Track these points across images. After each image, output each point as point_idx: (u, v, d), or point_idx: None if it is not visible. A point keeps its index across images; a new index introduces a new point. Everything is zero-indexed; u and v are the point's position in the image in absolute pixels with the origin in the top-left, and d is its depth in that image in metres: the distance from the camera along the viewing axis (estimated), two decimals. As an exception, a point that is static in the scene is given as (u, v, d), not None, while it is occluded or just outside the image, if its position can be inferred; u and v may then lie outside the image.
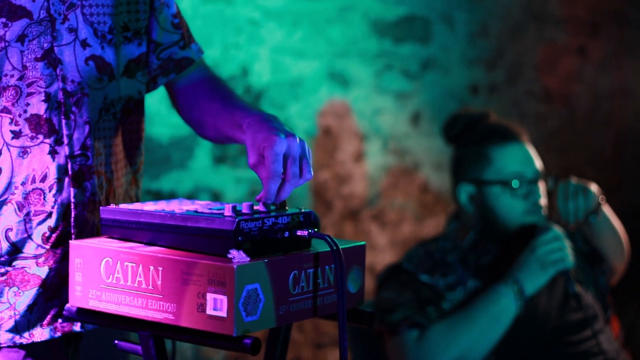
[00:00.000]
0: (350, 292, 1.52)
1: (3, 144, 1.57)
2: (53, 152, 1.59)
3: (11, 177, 1.57)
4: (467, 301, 2.44)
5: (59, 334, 1.62)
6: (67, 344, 1.65)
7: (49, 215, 1.59)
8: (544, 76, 4.32)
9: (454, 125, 2.62)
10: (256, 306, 1.37)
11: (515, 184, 2.49)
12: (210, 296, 1.36)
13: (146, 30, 1.74)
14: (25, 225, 1.58)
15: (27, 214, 1.58)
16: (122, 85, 1.70)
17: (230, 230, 1.39)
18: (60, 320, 1.61)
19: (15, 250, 1.58)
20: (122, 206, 1.55)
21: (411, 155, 3.84)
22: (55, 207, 1.59)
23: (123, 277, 1.45)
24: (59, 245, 1.60)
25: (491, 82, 4.10)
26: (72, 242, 1.52)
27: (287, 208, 1.51)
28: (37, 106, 1.58)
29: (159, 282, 1.41)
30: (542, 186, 2.53)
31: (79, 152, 1.61)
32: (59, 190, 1.59)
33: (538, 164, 2.54)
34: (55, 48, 1.58)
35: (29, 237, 1.59)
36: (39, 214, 1.59)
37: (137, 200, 1.79)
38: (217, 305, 1.35)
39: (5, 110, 1.56)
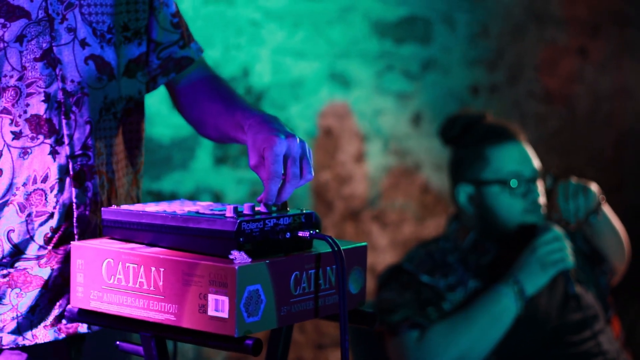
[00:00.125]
0: (351, 292, 1.52)
1: (4, 145, 1.56)
2: (54, 153, 1.59)
3: (12, 178, 1.57)
4: (467, 302, 2.44)
5: (63, 335, 1.61)
6: (69, 346, 1.65)
7: (51, 215, 1.59)
8: (545, 77, 4.32)
9: (452, 127, 2.63)
10: (258, 307, 1.37)
11: (513, 183, 2.49)
12: (211, 297, 1.36)
13: (146, 29, 1.73)
14: (27, 226, 1.58)
15: (29, 215, 1.58)
16: (122, 85, 1.69)
17: (231, 231, 1.40)
18: (64, 322, 1.61)
19: (17, 251, 1.58)
20: (124, 207, 1.55)
21: (412, 156, 3.84)
22: (57, 207, 1.59)
23: (124, 278, 1.45)
24: (61, 246, 1.60)
25: (492, 83, 4.11)
26: (74, 243, 1.52)
27: (288, 209, 1.51)
28: (37, 106, 1.57)
29: (161, 283, 1.41)
30: (540, 185, 2.54)
31: (79, 152, 1.61)
32: (61, 190, 1.59)
33: (536, 163, 2.55)
34: (54, 48, 1.58)
35: (31, 238, 1.58)
36: (41, 215, 1.58)
37: (138, 201, 1.79)
38: (218, 306, 1.35)
39: (5, 111, 1.56)
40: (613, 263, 2.65)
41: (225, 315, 1.35)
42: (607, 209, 2.59)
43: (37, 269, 1.59)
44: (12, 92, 1.56)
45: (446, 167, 2.70)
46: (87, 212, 1.61)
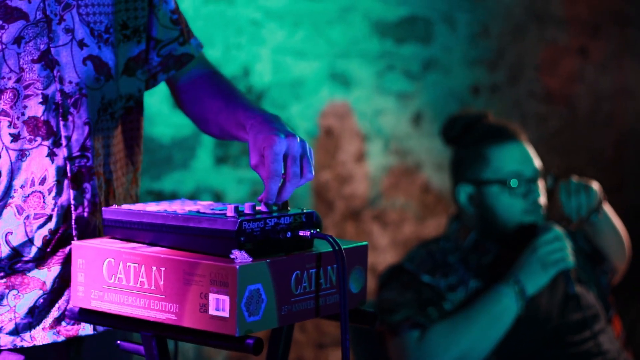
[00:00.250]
0: (352, 292, 1.52)
1: (2, 147, 1.56)
2: (51, 155, 1.58)
3: (10, 180, 1.56)
4: (468, 301, 2.44)
5: (62, 337, 1.61)
6: (68, 346, 1.64)
7: (49, 218, 1.58)
8: (545, 77, 4.32)
9: (452, 127, 2.63)
10: (258, 306, 1.37)
11: (513, 183, 2.49)
12: (212, 296, 1.36)
13: (145, 27, 1.73)
14: (25, 228, 1.57)
15: (27, 217, 1.57)
16: (121, 84, 1.69)
17: (232, 230, 1.39)
18: (63, 324, 1.61)
19: (16, 254, 1.57)
20: (125, 207, 1.55)
21: (412, 156, 3.84)
22: (55, 209, 1.58)
23: (125, 278, 1.45)
24: (60, 248, 1.59)
25: (492, 83, 4.11)
26: (75, 243, 1.52)
27: (289, 208, 1.51)
28: (35, 108, 1.57)
29: (162, 283, 1.41)
30: (541, 185, 2.54)
31: (78, 153, 1.60)
32: (59, 192, 1.59)
33: (537, 162, 2.55)
34: (52, 49, 1.57)
35: (30, 240, 1.58)
36: (39, 217, 1.58)
37: (138, 199, 1.79)
38: (219, 305, 1.35)
39: (4, 113, 1.55)
40: (614, 262, 2.65)
41: (226, 314, 1.35)
42: (607, 208, 2.59)
43: (35, 271, 1.59)
44: (10, 94, 1.55)
45: (447, 167, 2.70)
46: (85, 214, 1.61)
